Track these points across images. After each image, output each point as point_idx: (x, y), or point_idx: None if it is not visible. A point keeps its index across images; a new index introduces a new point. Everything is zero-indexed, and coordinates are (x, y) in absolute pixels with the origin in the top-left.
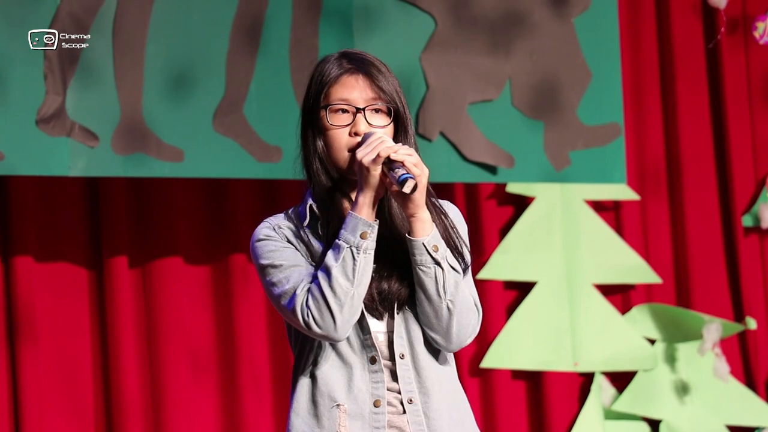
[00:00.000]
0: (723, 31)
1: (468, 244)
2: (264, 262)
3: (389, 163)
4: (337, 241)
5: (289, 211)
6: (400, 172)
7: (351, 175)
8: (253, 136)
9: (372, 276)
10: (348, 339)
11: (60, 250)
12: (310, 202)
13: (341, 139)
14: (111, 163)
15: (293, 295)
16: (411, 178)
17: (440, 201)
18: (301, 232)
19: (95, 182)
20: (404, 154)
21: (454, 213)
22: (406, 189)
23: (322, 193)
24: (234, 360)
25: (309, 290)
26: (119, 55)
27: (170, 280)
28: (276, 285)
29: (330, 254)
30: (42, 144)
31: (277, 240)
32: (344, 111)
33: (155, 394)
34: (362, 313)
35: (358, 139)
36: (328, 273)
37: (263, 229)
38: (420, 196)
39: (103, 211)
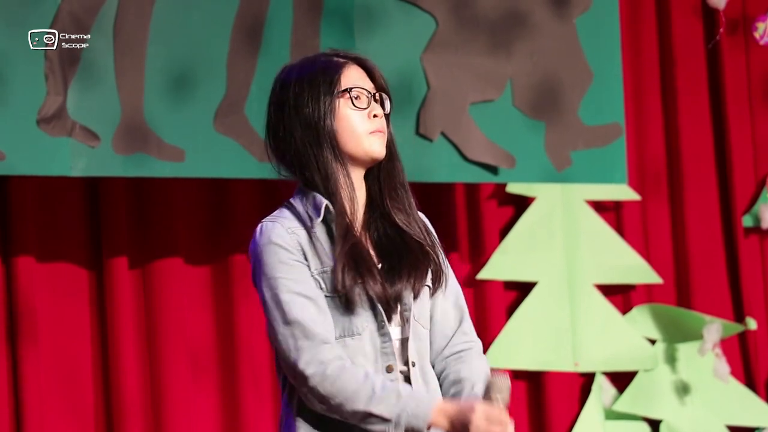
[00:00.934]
0: (722, 32)
1: (445, 258)
2: (275, 273)
3: None
4: (389, 413)
5: (291, 210)
6: None
7: (360, 165)
8: (254, 136)
9: (383, 277)
10: (363, 348)
11: (60, 250)
12: (325, 202)
13: (362, 122)
14: (112, 163)
15: (299, 351)
16: None
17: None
18: (311, 234)
19: (95, 182)
20: None
21: (429, 226)
22: None
23: (334, 184)
24: (234, 360)
25: (331, 378)
26: (120, 55)
27: (170, 280)
28: (279, 314)
29: (372, 403)
30: (43, 144)
31: (290, 250)
32: (358, 97)
33: (155, 394)
34: (383, 319)
35: (377, 122)
36: (359, 413)
37: (276, 230)
38: None
39: (103, 211)
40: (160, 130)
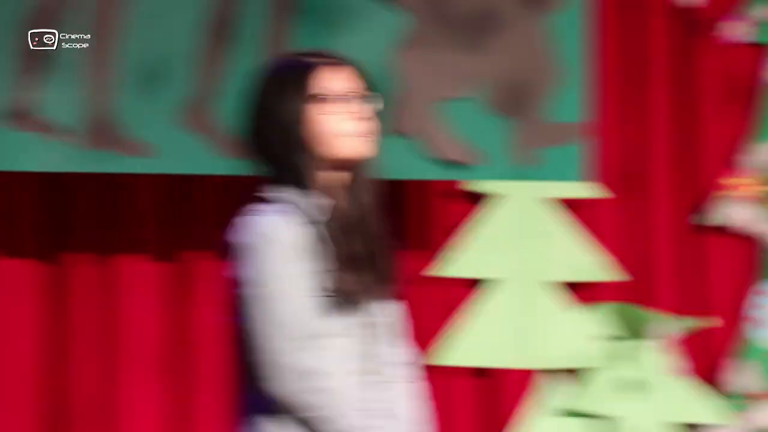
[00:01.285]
0: (694, 31)
1: None
2: (273, 268)
3: None
4: None
5: (284, 205)
6: None
7: (338, 167)
8: (223, 133)
9: (374, 281)
10: (351, 349)
11: (21, 248)
12: (320, 201)
13: (337, 125)
14: (81, 158)
15: (285, 352)
16: None
17: None
18: (308, 232)
19: (55, 177)
20: None
21: None
22: None
23: (320, 186)
24: (190, 360)
25: (325, 392)
26: (89, 50)
27: (128, 278)
28: (270, 311)
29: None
30: (11, 139)
31: (290, 245)
32: (330, 101)
33: (108, 394)
34: (371, 323)
35: (354, 123)
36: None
37: (276, 224)
38: None
39: (68, 207)
40: (129, 125)
